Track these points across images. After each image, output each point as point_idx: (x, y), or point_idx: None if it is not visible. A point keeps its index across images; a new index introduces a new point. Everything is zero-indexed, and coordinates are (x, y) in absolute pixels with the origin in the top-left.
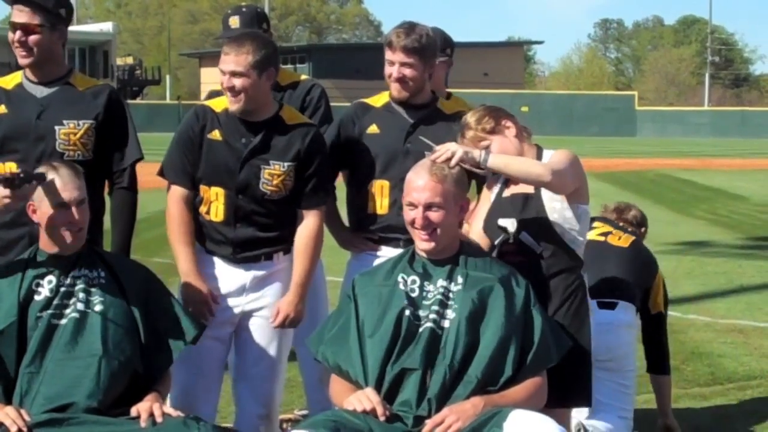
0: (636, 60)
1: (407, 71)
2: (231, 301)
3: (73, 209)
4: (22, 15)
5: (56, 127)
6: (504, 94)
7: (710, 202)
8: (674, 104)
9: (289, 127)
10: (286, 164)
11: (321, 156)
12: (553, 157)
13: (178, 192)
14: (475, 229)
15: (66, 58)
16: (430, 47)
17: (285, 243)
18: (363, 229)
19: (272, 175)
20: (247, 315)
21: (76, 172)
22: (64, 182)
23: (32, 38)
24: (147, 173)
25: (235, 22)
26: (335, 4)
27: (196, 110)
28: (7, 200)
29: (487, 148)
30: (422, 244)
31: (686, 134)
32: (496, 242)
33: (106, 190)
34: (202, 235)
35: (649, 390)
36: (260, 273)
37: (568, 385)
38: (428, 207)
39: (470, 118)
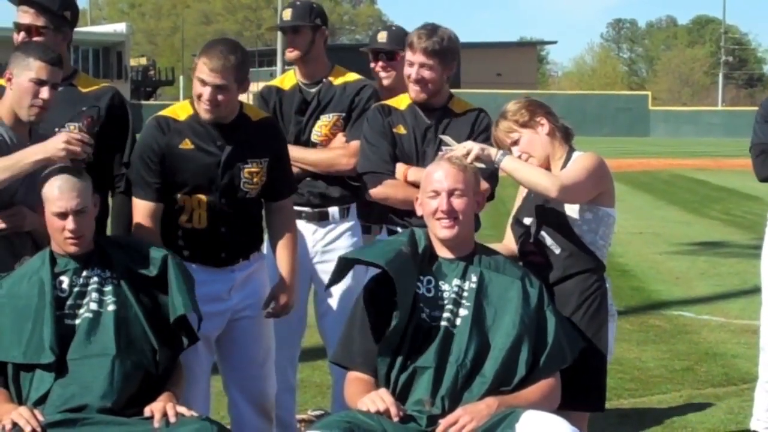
0: (649, 60)
1: (426, 73)
2: (218, 306)
3: (71, 218)
4: (26, 16)
5: (57, 129)
6: (517, 95)
7: (724, 202)
8: (688, 104)
9: (255, 123)
10: (262, 160)
11: (285, 145)
12: (571, 165)
13: (144, 207)
14: (508, 235)
15: (72, 60)
16: (451, 50)
17: (258, 241)
18: (377, 221)
19: (251, 173)
20: (232, 318)
21: (80, 179)
22: (62, 191)
23: (36, 39)
24: None
25: (287, 14)
26: (348, 5)
27: (159, 122)
28: (78, 149)
29: (516, 141)
30: (444, 231)
31: (700, 134)
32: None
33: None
34: (179, 245)
35: (662, 391)
36: (242, 274)
37: (581, 388)
38: (451, 193)
39: (509, 107)
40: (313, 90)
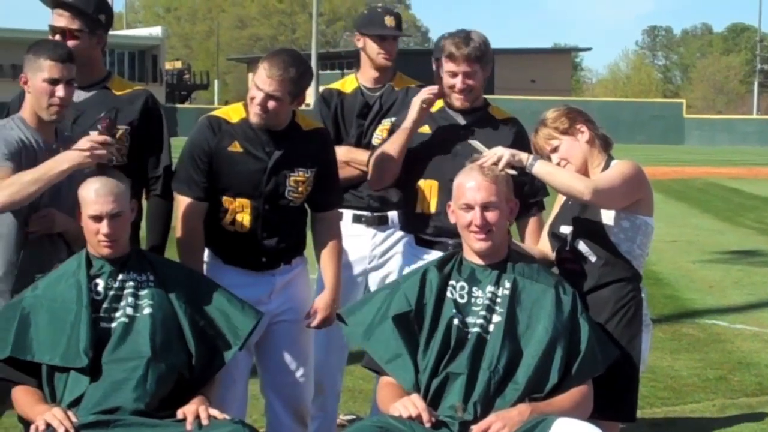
0: (684, 68)
1: (471, 81)
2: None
3: (106, 222)
4: (61, 19)
5: (91, 132)
6: (551, 101)
7: (758, 211)
8: (722, 112)
9: (305, 133)
10: (309, 170)
11: (334, 157)
12: (607, 171)
13: (189, 204)
14: (543, 239)
15: (107, 63)
16: (488, 52)
17: (300, 247)
18: (413, 229)
19: (297, 182)
20: (271, 322)
21: (117, 183)
22: (98, 195)
23: (71, 43)
24: None
25: (391, 21)
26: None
27: (211, 122)
28: (103, 152)
29: (556, 148)
30: (478, 244)
31: (734, 143)
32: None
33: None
34: (220, 247)
35: (695, 400)
36: (283, 279)
37: (613, 398)
38: (485, 207)
39: (549, 114)
40: (376, 94)
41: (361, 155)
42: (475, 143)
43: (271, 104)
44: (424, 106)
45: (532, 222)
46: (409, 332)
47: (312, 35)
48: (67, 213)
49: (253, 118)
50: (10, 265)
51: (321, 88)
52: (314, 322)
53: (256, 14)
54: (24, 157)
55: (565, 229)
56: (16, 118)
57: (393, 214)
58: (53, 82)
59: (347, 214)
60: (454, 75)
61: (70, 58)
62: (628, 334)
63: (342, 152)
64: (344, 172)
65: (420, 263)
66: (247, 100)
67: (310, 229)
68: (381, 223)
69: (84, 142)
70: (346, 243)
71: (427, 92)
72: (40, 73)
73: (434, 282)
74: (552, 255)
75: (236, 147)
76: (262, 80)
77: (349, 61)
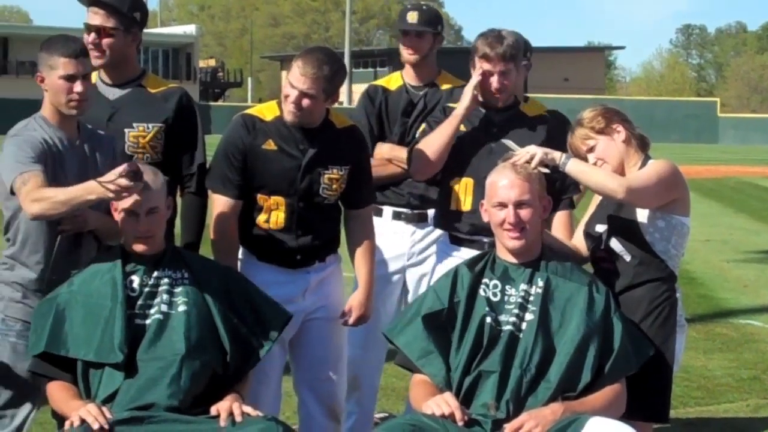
0: (718, 66)
1: (507, 81)
2: (292, 307)
3: (142, 217)
4: (97, 17)
5: (126, 130)
6: (584, 100)
7: None
8: (757, 111)
9: (339, 131)
10: (343, 168)
11: (368, 155)
12: (642, 169)
13: (224, 203)
14: (577, 235)
15: (142, 61)
16: (520, 50)
17: (335, 244)
18: (448, 227)
19: (331, 179)
20: (305, 319)
21: (155, 179)
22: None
23: (106, 41)
24: None
25: (413, 17)
26: None
27: (245, 121)
28: (128, 194)
29: (592, 148)
30: (511, 242)
31: None
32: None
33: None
34: (254, 245)
35: (729, 400)
36: (318, 276)
37: (645, 398)
38: (518, 205)
39: (585, 114)
40: (420, 93)
41: (403, 153)
42: (509, 142)
43: (305, 102)
44: (475, 92)
45: (562, 217)
46: (441, 330)
47: (345, 33)
48: (97, 209)
49: (288, 116)
50: (43, 264)
51: (365, 85)
52: (350, 321)
53: (289, 12)
54: (49, 158)
55: (600, 228)
56: (37, 117)
57: (433, 212)
58: (70, 78)
59: (387, 210)
60: (490, 75)
61: (83, 53)
62: (661, 335)
63: (385, 150)
64: (386, 170)
65: (454, 262)
66: (281, 98)
67: (344, 227)
68: (420, 220)
69: (111, 178)
70: (385, 239)
71: (477, 78)
72: (55, 70)
73: (466, 280)
74: (585, 252)
75: (270, 145)
76: (297, 78)
77: (382, 59)
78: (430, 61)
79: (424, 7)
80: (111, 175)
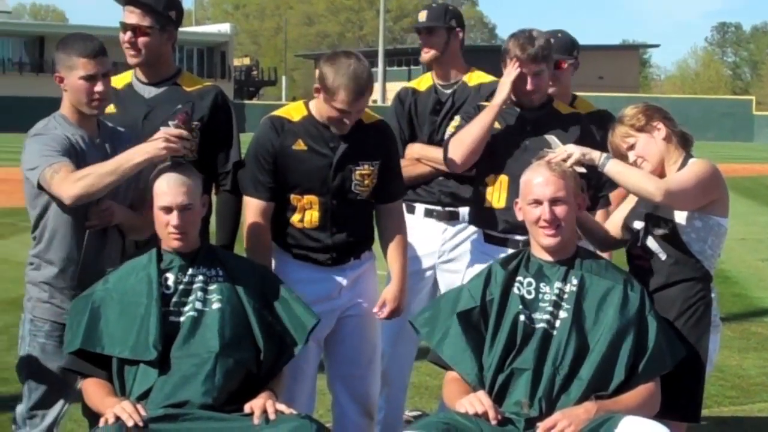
0: (754, 64)
1: (541, 81)
2: (328, 305)
3: (175, 213)
4: (132, 16)
5: (162, 128)
6: (619, 98)
7: None
8: None
9: (367, 126)
10: (373, 163)
11: (396, 148)
12: (681, 171)
13: (256, 205)
14: (612, 219)
15: (177, 59)
16: (551, 50)
17: (369, 241)
18: (483, 224)
19: (363, 175)
20: (341, 316)
21: (190, 177)
22: (170, 186)
23: (141, 39)
24: None
25: (422, 16)
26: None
27: (273, 123)
28: (178, 145)
29: (632, 145)
30: (546, 240)
31: None
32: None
33: (213, 191)
34: (289, 244)
35: (763, 399)
36: (353, 273)
37: (677, 397)
38: (554, 202)
39: (626, 112)
40: (449, 91)
41: (434, 152)
42: (551, 138)
43: (348, 120)
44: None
45: (599, 217)
46: (474, 327)
47: (379, 32)
48: (122, 204)
49: (336, 130)
50: (69, 261)
51: (399, 84)
52: (384, 314)
53: (323, 11)
54: (73, 155)
55: (638, 225)
56: (57, 116)
57: (464, 210)
58: (90, 78)
59: (419, 208)
60: (525, 76)
61: (102, 51)
62: (695, 334)
63: (416, 149)
64: (417, 169)
65: (488, 261)
66: (319, 105)
67: (376, 223)
68: (452, 218)
69: (160, 134)
70: (417, 237)
71: (516, 71)
72: (74, 71)
73: (499, 278)
74: (618, 236)
75: (300, 145)
76: (343, 102)
77: (416, 57)
78: (453, 58)
79: (434, 5)
80: (160, 133)
